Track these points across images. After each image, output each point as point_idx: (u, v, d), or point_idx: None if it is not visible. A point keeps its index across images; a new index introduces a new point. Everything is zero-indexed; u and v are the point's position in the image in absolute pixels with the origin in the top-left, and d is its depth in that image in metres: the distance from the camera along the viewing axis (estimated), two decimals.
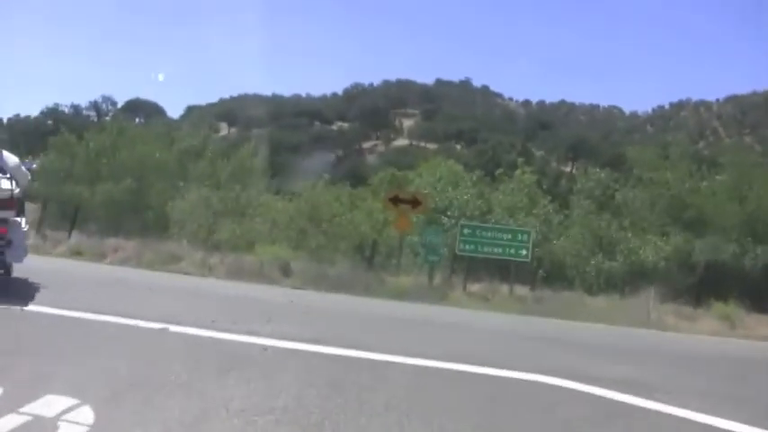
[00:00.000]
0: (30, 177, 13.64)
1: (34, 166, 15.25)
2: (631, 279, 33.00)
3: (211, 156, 45.16)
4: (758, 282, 31.98)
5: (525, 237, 27.66)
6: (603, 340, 17.44)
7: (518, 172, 39.38)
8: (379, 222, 34.40)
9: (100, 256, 25.00)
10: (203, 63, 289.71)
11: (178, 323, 10.78)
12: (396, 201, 28.06)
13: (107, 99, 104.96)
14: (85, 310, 10.96)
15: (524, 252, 27.24)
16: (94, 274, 19.04)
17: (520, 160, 42.80)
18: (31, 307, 10.95)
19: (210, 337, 10.14)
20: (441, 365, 9.78)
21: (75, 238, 27.62)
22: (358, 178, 65.72)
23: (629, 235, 35.64)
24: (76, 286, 15.16)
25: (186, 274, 22.73)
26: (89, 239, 27.28)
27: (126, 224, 36.05)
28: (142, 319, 10.83)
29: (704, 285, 31.59)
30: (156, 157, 45.18)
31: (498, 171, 41.99)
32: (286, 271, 25.33)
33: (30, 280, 13.29)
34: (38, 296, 12.02)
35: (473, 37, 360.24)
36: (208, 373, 7.93)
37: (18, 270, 12.98)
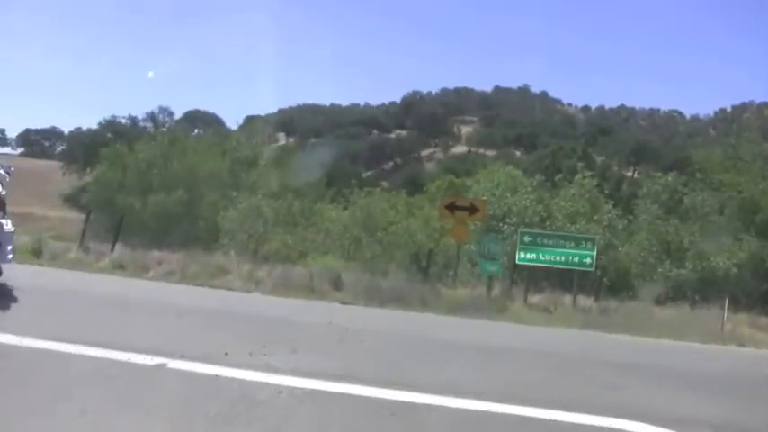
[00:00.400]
0: (8, 179, 13.40)
1: (12, 169, 14.41)
2: (701, 287, 31.38)
3: (264, 164, 44.41)
4: None
5: (589, 244, 26.13)
6: (680, 362, 15.96)
7: (578, 176, 37.79)
8: (435, 231, 33.17)
9: (143, 270, 23.94)
10: (262, 74, 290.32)
11: (182, 356, 9.48)
12: (452, 208, 26.76)
13: (164, 110, 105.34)
14: (73, 341, 9.73)
15: (589, 260, 25.75)
16: (115, 292, 17.79)
17: (580, 165, 41.18)
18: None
19: (216, 376, 8.83)
20: (497, 408, 8.43)
21: (120, 250, 26.67)
22: (416, 186, 64.81)
23: (699, 241, 33.83)
24: (80, 309, 13.76)
25: (229, 289, 21.54)
26: (133, 252, 26.35)
27: (177, 235, 35.45)
28: (138, 351, 9.52)
29: None
30: (207, 166, 44.51)
31: (558, 176, 40.48)
32: (337, 283, 24.17)
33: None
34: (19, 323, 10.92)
35: (531, 43, 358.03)
36: (197, 427, 6.71)
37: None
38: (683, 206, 38.63)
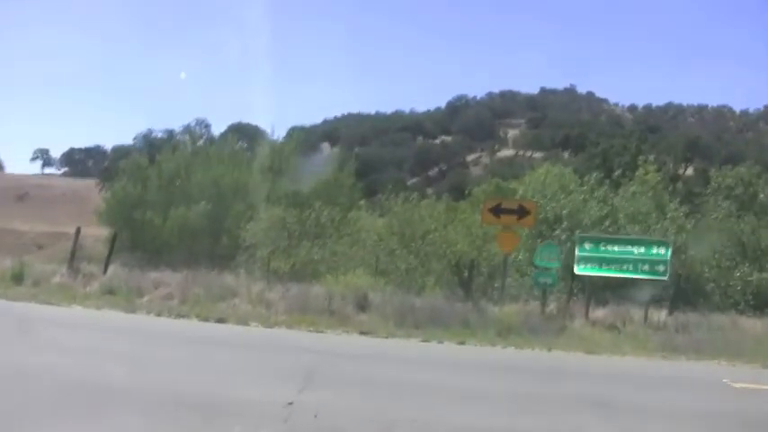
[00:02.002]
0: None
1: None
2: None
3: (293, 172, 41.34)
4: None
5: (663, 249, 22.16)
6: None
7: (640, 171, 33.46)
8: (478, 238, 29.30)
9: (137, 295, 20.69)
10: (306, 85, 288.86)
11: None
12: (498, 211, 22.99)
13: (201, 122, 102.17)
14: None
15: (662, 267, 21.83)
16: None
17: (641, 158, 36.64)
18: None
19: None
20: None
21: (115, 272, 23.15)
22: (461, 193, 61.62)
23: None
24: None
25: (220, 320, 17.99)
26: (129, 273, 22.90)
27: (199, 252, 32.56)
28: None
29: None
30: (233, 177, 41.47)
31: (616, 173, 36.12)
32: (362, 305, 20.75)
33: None
34: None
35: (576, 43, 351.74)
36: None
37: None
38: (758, 201, 34.35)
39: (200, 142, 55.33)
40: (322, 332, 17.33)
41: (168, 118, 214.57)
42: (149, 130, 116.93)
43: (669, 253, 22.18)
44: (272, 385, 10.41)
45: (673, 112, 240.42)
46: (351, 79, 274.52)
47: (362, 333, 17.43)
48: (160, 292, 21.04)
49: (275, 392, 9.76)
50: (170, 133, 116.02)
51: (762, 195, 34.35)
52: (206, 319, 17.91)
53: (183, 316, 18.29)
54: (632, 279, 22.80)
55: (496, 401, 10.48)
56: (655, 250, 22.11)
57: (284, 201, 36.80)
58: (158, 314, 18.44)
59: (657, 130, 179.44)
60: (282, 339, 15.98)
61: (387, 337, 17.17)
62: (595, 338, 18.97)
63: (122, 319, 17.38)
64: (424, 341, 16.94)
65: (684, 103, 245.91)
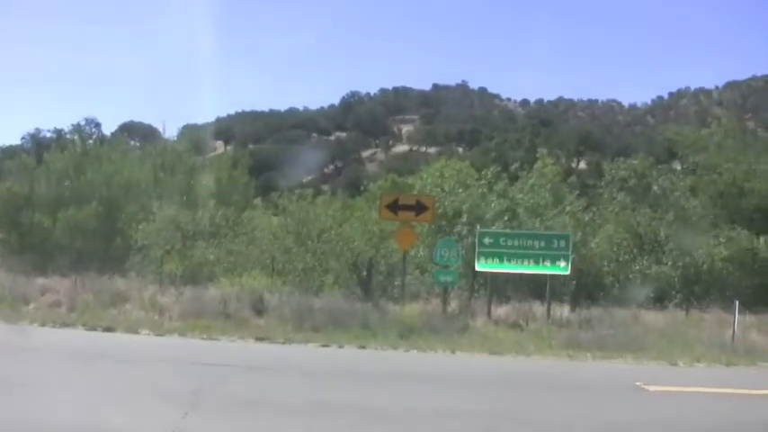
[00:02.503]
0: None
1: None
2: (685, 284, 27.53)
3: (187, 171, 40.17)
4: None
5: (563, 243, 21.79)
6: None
7: (539, 164, 33.05)
8: (375, 235, 28.59)
9: (23, 302, 19.77)
10: (199, 83, 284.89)
11: None
12: (395, 207, 22.20)
13: (91, 121, 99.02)
14: None
15: (563, 263, 21.47)
16: None
17: (540, 150, 36.19)
18: None
19: None
20: None
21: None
22: (358, 189, 61.07)
23: (676, 232, 29.55)
24: None
25: (108, 329, 16.92)
26: (15, 280, 21.69)
27: (91, 254, 31.28)
28: None
29: None
30: (125, 176, 40.00)
31: (514, 166, 35.63)
32: (258, 307, 20.10)
33: None
34: None
35: (468, 40, 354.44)
36: None
37: None
38: (652, 193, 34.39)
39: (91, 141, 53.14)
40: (216, 339, 16.56)
41: (57, 117, 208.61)
42: (37, 129, 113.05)
43: (570, 246, 21.83)
44: (151, 409, 9.29)
45: (564, 107, 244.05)
46: (244, 77, 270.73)
47: (259, 339, 16.66)
48: (47, 299, 20.31)
49: (154, 419, 8.74)
50: (59, 133, 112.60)
51: (655, 187, 34.35)
52: (93, 328, 16.98)
53: (69, 325, 17.34)
54: (534, 274, 22.43)
55: (399, 422, 9.55)
56: (556, 244, 21.74)
57: (177, 200, 35.48)
58: (43, 323, 17.45)
59: (549, 125, 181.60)
60: (172, 350, 14.99)
61: (284, 343, 16.44)
62: (499, 337, 18.54)
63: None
64: (323, 346, 16.23)
65: (575, 98, 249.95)
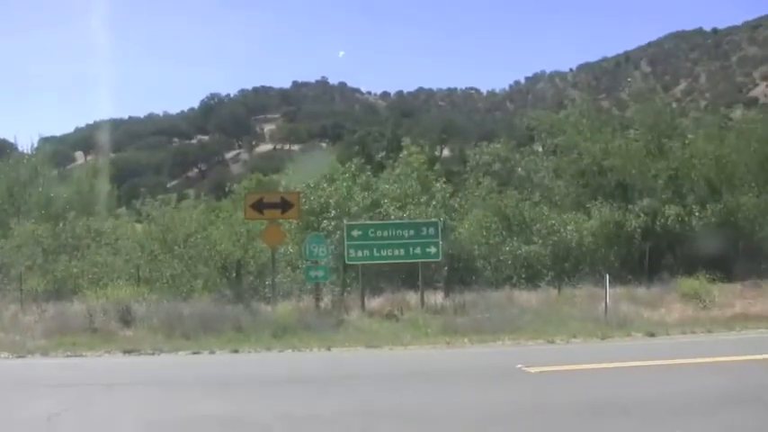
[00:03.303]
0: None
1: None
2: (555, 262, 27.77)
3: (44, 184, 38.64)
4: (709, 246, 26.88)
5: (432, 230, 21.78)
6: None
7: (404, 153, 32.83)
8: (243, 236, 28.01)
9: None
10: (56, 94, 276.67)
11: None
12: (260, 206, 21.74)
13: None
14: None
15: (434, 249, 21.47)
16: None
17: (404, 140, 36.04)
18: None
19: None
20: None
21: None
22: (223, 190, 60.27)
23: (545, 211, 29.86)
24: None
25: None
26: None
27: None
28: None
29: (646, 258, 27.73)
30: None
31: (379, 156, 35.51)
32: (126, 318, 19.42)
33: None
34: None
35: (326, 35, 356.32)
36: None
37: None
38: (517, 175, 34.72)
39: None
40: (82, 355, 15.62)
41: None
42: None
43: (439, 233, 21.76)
44: None
45: (424, 97, 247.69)
46: (100, 85, 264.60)
47: (127, 352, 15.81)
48: None
49: None
50: None
51: (519, 169, 34.67)
52: None
53: None
54: (405, 264, 22.25)
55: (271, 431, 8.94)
56: (425, 232, 21.64)
57: (36, 215, 34.04)
58: None
59: (411, 115, 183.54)
60: (32, 371, 14.05)
61: (153, 354, 15.68)
62: (374, 329, 18.31)
63: None
64: (194, 353, 15.61)
65: (434, 88, 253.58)
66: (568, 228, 28.61)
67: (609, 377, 11.88)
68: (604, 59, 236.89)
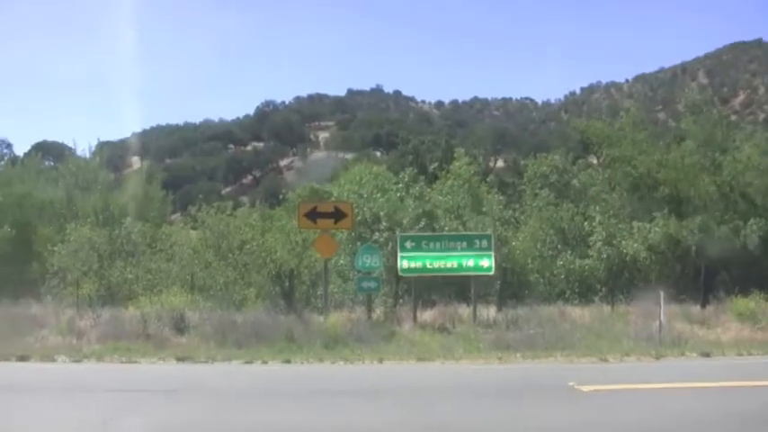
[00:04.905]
0: None
1: None
2: (609, 277, 27.56)
3: (101, 189, 39.06)
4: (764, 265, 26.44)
5: (485, 242, 21.60)
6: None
7: (455, 164, 32.74)
8: (298, 245, 27.97)
9: None
10: (112, 98, 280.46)
11: None
12: (314, 216, 21.82)
13: (1, 142, 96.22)
14: None
15: (487, 262, 21.23)
16: None
17: (459, 150, 35.88)
18: None
19: None
20: None
21: None
22: (277, 198, 60.48)
23: (603, 223, 29.41)
24: None
25: (22, 358, 16.05)
26: None
27: (4, 280, 29.95)
28: None
29: (701, 276, 27.27)
30: (39, 196, 38.73)
31: (432, 167, 35.46)
32: (179, 326, 19.61)
33: None
34: None
35: (381, 43, 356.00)
36: None
37: None
38: (573, 188, 34.44)
39: (2, 163, 51.44)
40: (136, 362, 15.85)
41: None
42: None
43: (492, 247, 21.59)
44: None
45: (479, 107, 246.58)
46: (156, 91, 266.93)
47: (180, 359, 15.99)
48: None
49: None
50: None
51: (575, 182, 34.38)
52: (6, 358, 15.95)
53: None
54: (458, 276, 22.16)
55: None
56: (478, 245, 21.49)
57: (92, 219, 34.38)
58: None
59: (465, 125, 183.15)
60: (88, 376, 14.30)
61: (206, 362, 15.81)
62: (426, 342, 18.25)
63: None
64: (247, 362, 15.71)
65: (489, 98, 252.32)
66: (633, 234, 28.04)
67: (664, 398, 11.70)
68: (661, 70, 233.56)
